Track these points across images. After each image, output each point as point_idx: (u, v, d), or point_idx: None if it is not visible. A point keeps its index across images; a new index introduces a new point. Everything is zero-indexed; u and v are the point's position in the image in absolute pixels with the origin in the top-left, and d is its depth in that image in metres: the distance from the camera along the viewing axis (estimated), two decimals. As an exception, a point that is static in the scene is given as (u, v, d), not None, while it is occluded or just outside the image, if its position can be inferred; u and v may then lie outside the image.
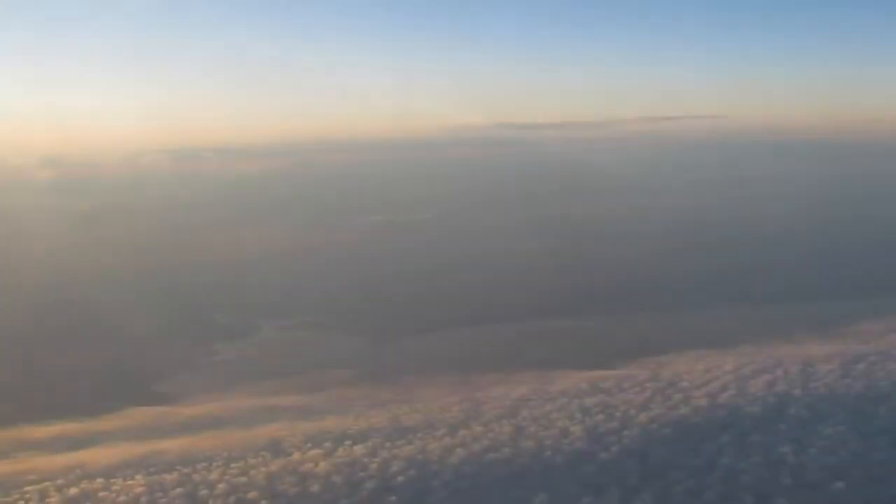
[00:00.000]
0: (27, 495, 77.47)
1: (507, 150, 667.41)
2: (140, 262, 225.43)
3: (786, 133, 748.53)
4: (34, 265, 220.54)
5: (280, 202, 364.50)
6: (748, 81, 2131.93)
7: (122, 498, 76.13)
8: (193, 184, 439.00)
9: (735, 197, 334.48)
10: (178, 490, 76.88)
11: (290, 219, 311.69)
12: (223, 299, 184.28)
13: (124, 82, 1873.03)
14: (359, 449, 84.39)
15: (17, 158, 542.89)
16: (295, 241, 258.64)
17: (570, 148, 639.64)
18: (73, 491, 77.89)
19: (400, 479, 76.87)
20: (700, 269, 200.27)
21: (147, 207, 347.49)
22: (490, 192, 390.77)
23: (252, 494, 74.74)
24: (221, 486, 76.91)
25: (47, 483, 79.85)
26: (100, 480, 79.91)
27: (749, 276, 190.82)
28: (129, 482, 79.10)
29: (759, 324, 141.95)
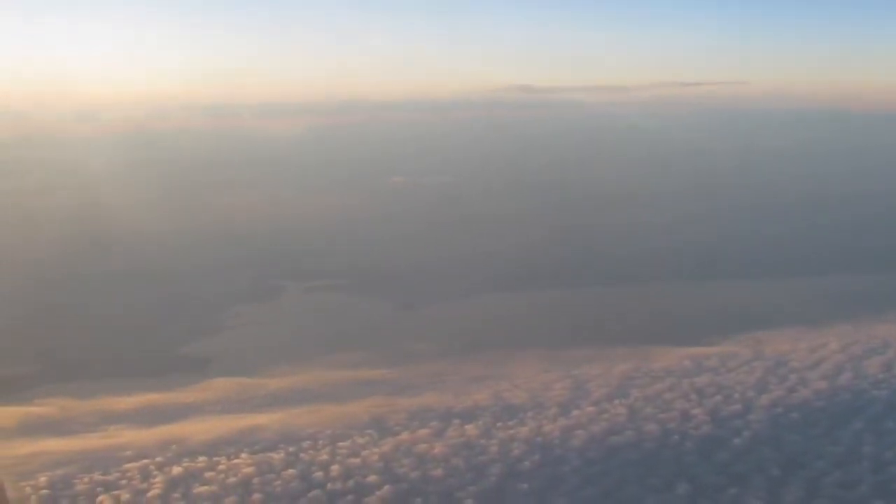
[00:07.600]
0: (129, 474, 72.79)
1: (527, 112, 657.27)
2: (172, 222, 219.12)
3: (807, 101, 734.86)
4: (63, 223, 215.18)
5: (302, 162, 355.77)
6: (772, 47, 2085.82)
7: (231, 479, 71.58)
8: (225, 141, 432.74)
9: (777, 165, 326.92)
10: (290, 471, 72.31)
11: (313, 179, 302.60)
12: (250, 262, 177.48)
13: (163, 37, 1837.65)
14: (470, 429, 79.74)
15: (54, 113, 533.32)
16: (317, 202, 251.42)
17: (592, 111, 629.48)
18: (176, 470, 73.37)
19: (525, 463, 72.30)
20: (761, 236, 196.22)
21: (179, 163, 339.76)
22: (512, 154, 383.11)
23: (372, 478, 70.09)
24: (336, 468, 72.37)
25: (146, 461, 75.19)
26: (202, 458, 75.50)
27: (811, 244, 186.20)
28: (235, 461, 74.69)
29: (839, 297, 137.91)
